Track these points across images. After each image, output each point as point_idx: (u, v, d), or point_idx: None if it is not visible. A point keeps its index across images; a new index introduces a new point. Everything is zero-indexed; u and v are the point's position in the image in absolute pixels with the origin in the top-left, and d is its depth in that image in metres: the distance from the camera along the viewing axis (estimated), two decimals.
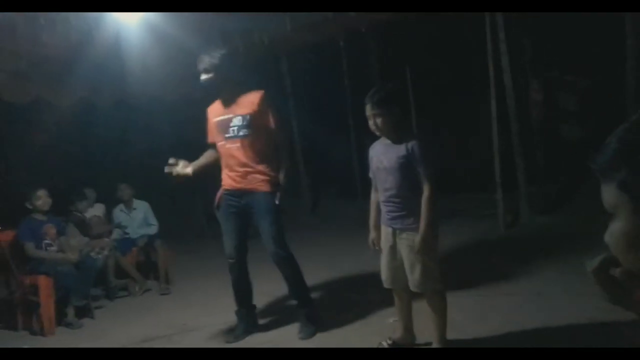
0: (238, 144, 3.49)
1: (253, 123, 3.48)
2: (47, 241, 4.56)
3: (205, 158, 3.72)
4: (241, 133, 3.48)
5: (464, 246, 5.16)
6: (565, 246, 4.70)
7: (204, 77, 3.49)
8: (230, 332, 3.70)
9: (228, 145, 3.53)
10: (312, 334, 3.51)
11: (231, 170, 3.56)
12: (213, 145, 3.68)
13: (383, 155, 2.92)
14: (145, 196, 5.76)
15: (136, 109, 6.48)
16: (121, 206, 5.61)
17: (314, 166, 8.34)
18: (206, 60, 3.46)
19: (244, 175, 3.52)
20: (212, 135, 3.65)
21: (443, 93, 7.29)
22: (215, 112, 3.62)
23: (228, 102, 3.56)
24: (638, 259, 0.62)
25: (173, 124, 7.13)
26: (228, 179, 3.58)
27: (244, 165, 3.51)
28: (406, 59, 7.39)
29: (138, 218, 5.58)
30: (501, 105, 5.78)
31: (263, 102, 3.53)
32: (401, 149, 2.82)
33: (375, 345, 3.13)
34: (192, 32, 5.13)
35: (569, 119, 6.46)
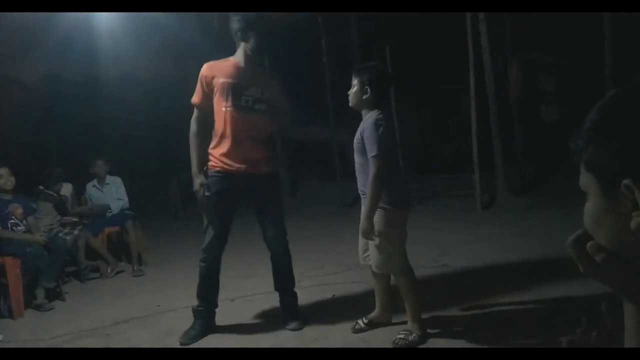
0: (248, 117, 3.07)
1: (270, 101, 3.12)
2: (13, 221, 4.42)
3: (199, 142, 3.16)
4: (256, 106, 3.09)
5: (442, 225, 5.18)
6: (540, 225, 4.75)
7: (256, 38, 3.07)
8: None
9: (236, 114, 3.06)
10: (301, 325, 3.26)
11: (231, 143, 3.07)
12: (201, 109, 3.15)
13: (356, 135, 2.90)
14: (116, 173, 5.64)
15: (107, 85, 6.30)
16: (94, 182, 5.48)
17: (292, 148, 8.26)
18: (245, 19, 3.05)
19: (246, 154, 3.10)
20: (209, 97, 3.11)
21: (423, 73, 7.24)
22: (225, 73, 3.09)
23: (249, 69, 3.10)
24: (605, 236, 0.66)
25: (145, 101, 6.95)
26: (224, 156, 3.10)
27: (249, 142, 3.09)
28: (386, 38, 7.30)
29: (111, 193, 5.47)
30: (480, 85, 5.76)
31: (282, 84, 3.23)
32: (360, 128, 2.82)
33: (352, 324, 3.12)
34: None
35: (547, 100, 6.47)
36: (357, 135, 2.84)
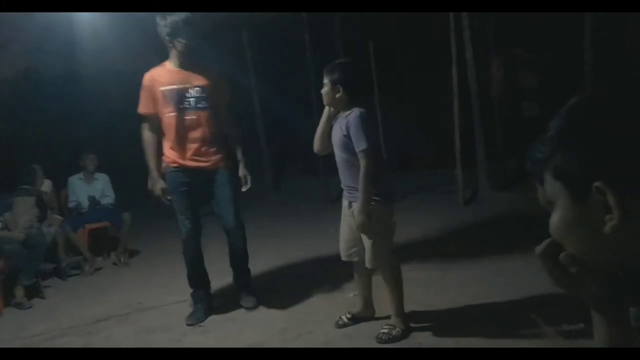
0: (194, 117, 3.32)
1: (211, 96, 3.34)
2: None
3: (153, 147, 3.42)
4: (200, 105, 3.32)
5: (424, 221, 5.20)
6: (522, 221, 4.80)
7: (185, 41, 3.23)
8: (190, 311, 3.56)
9: (181, 117, 3.30)
10: (256, 304, 3.55)
11: (183, 144, 3.34)
12: (148, 117, 3.38)
13: (334, 130, 2.88)
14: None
15: (86, 79, 6.19)
16: (79, 175, 5.42)
17: (276, 142, 8.22)
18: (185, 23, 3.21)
19: (199, 151, 3.37)
20: (154, 106, 3.32)
21: (405, 68, 7.26)
22: (163, 80, 3.30)
23: (184, 71, 3.33)
24: (577, 244, 0.64)
25: (123, 95, 6.84)
26: (178, 155, 3.36)
27: (199, 140, 3.36)
28: (369, 33, 7.30)
29: (97, 189, 5.43)
30: (462, 81, 5.79)
31: (220, 76, 3.47)
32: (343, 125, 2.78)
33: (336, 320, 3.12)
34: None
35: (529, 96, 6.54)
36: (339, 131, 2.82)
